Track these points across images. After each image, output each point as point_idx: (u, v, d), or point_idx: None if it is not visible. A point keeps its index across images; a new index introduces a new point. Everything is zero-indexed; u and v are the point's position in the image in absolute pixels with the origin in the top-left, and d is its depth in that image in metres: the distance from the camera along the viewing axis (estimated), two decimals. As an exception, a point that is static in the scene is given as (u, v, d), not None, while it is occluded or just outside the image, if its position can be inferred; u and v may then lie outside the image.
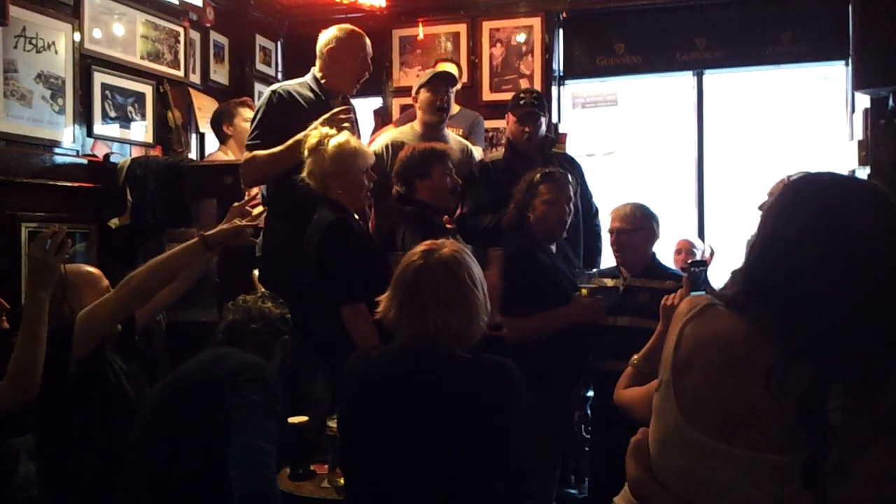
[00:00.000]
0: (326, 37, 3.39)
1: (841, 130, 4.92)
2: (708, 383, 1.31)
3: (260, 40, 5.43)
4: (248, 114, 4.38)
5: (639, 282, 3.18)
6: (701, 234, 5.01)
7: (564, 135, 4.99)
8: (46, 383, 2.26)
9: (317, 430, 2.81)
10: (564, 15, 5.31)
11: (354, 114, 3.43)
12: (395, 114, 5.29)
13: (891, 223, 1.24)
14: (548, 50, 5.26)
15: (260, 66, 5.41)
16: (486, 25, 5.37)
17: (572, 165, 3.71)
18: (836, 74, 5.00)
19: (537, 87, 5.05)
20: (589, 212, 3.77)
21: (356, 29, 3.43)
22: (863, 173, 4.31)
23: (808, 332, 1.21)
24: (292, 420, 2.66)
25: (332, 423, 2.55)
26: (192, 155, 4.65)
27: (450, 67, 4.41)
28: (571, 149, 4.89)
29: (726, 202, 5.21)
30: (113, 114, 4.13)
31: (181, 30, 4.61)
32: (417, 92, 3.70)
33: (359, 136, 3.37)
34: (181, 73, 4.61)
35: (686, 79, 5.27)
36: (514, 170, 3.31)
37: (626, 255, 3.22)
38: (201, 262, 2.75)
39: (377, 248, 2.99)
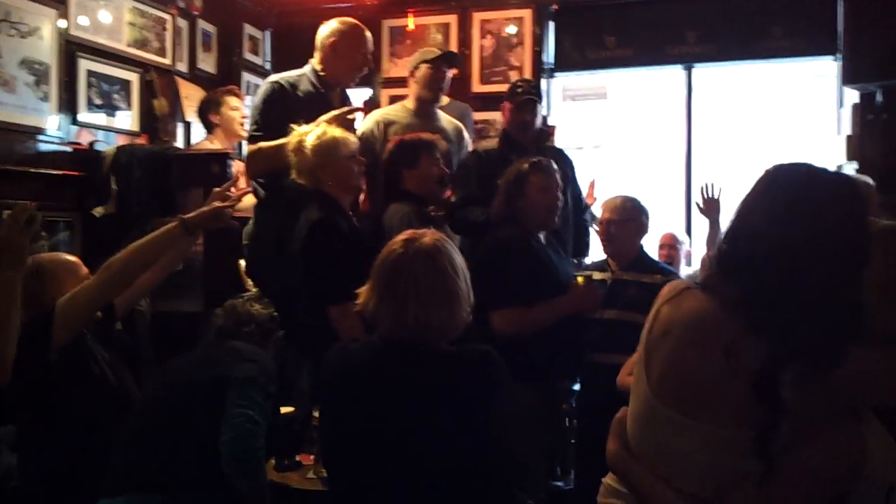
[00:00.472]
0: (328, 29, 3.36)
1: (829, 125, 4.93)
2: (674, 358, 1.37)
3: (248, 29, 5.38)
4: (234, 102, 4.36)
5: (627, 275, 3.18)
6: (689, 229, 5.02)
7: (554, 127, 4.98)
8: (26, 372, 2.23)
9: (302, 421, 2.80)
10: (555, 7, 5.29)
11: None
12: (384, 104, 5.26)
13: (860, 216, 1.32)
14: (538, 42, 5.25)
15: (248, 56, 5.36)
16: (477, 17, 5.34)
17: (564, 160, 3.70)
18: (825, 69, 5.01)
19: (529, 79, 5.02)
20: (578, 206, 3.77)
21: (358, 23, 3.41)
22: (850, 168, 4.32)
23: (767, 307, 1.27)
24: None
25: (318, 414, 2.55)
26: (179, 144, 4.60)
27: None
28: (560, 141, 4.88)
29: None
30: (98, 101, 4.09)
31: (168, 17, 4.56)
32: (416, 67, 3.68)
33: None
34: (168, 62, 4.56)
35: (676, 72, 5.26)
36: (508, 160, 3.29)
37: (615, 245, 3.23)
38: (181, 246, 2.72)
39: (366, 243, 2.97)
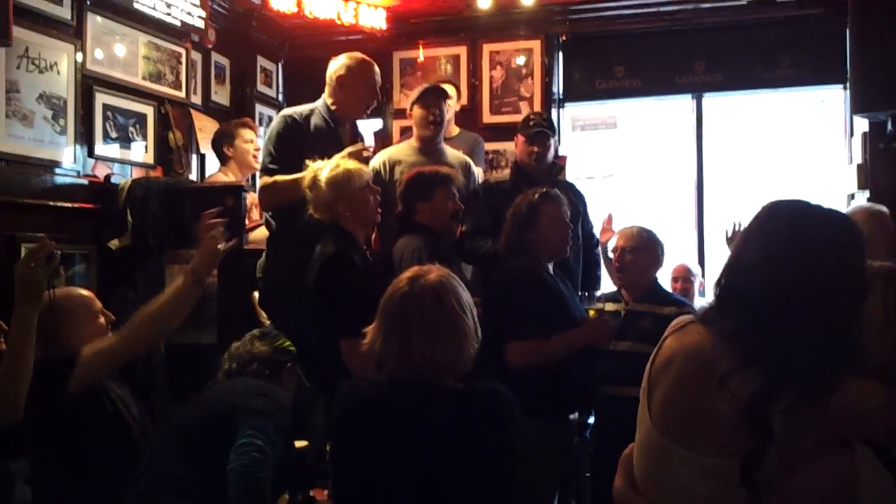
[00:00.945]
0: (336, 64, 3.42)
1: (839, 153, 4.94)
2: (673, 390, 1.40)
3: (261, 62, 5.46)
4: (248, 135, 4.40)
5: (641, 306, 3.17)
6: (701, 258, 5.01)
7: (564, 157, 5.00)
8: (41, 410, 2.24)
9: (315, 456, 2.79)
10: (564, 38, 5.35)
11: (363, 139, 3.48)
12: (396, 135, 5.32)
13: (855, 254, 1.35)
14: (548, 73, 5.29)
15: (261, 88, 5.43)
16: (487, 48, 5.40)
17: (576, 194, 3.72)
18: (833, 98, 5.03)
19: (537, 109, 5.07)
20: (590, 241, 3.81)
21: (366, 57, 3.46)
22: (862, 197, 4.32)
23: (762, 340, 1.30)
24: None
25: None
26: (193, 176, 4.65)
27: (447, 88, 4.43)
28: (571, 171, 4.91)
29: (726, 226, 5.19)
30: (114, 134, 4.13)
31: (183, 51, 4.62)
32: (411, 109, 3.77)
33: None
34: (182, 94, 4.62)
35: (685, 102, 5.30)
36: (519, 192, 3.31)
37: (629, 275, 3.22)
38: (195, 293, 2.70)
39: (378, 278, 2.98)
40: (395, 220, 3.26)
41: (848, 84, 4.58)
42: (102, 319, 2.60)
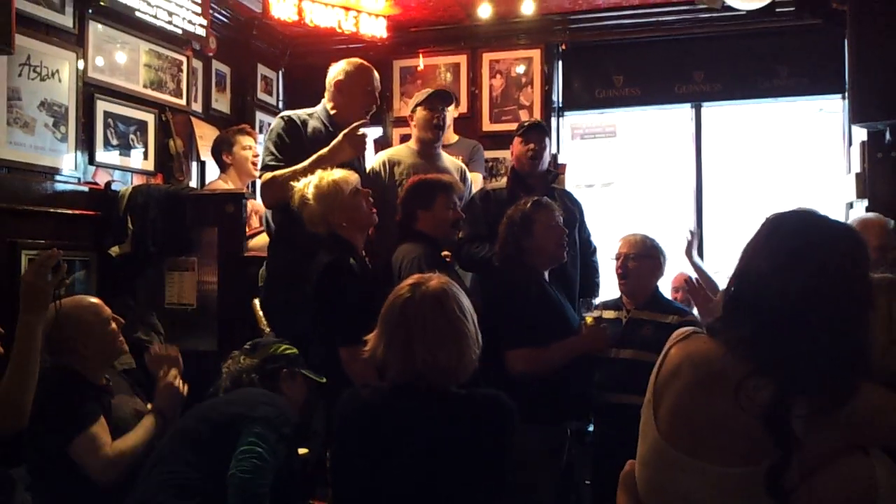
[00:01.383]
0: (335, 70, 3.44)
1: (838, 162, 4.96)
2: (681, 399, 1.40)
3: (261, 70, 5.47)
4: (246, 142, 4.41)
5: (642, 314, 3.17)
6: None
7: (564, 166, 5.02)
8: (45, 422, 2.25)
9: (315, 463, 2.79)
10: (564, 47, 5.37)
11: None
12: (395, 143, 5.32)
13: (860, 263, 1.37)
14: (547, 81, 5.31)
15: (261, 96, 5.45)
16: (486, 57, 5.42)
17: (572, 201, 3.73)
18: (832, 107, 5.05)
19: (536, 118, 5.08)
20: (587, 249, 3.81)
21: (364, 63, 3.47)
22: (861, 206, 4.33)
23: (773, 348, 1.31)
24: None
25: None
26: (193, 183, 4.65)
27: None
28: (570, 180, 4.91)
29: (725, 234, 5.22)
30: (115, 141, 4.14)
31: (184, 59, 4.63)
32: (413, 110, 3.79)
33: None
34: (183, 102, 4.63)
35: (684, 111, 5.32)
36: (516, 199, 3.32)
37: (631, 282, 3.22)
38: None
39: (377, 285, 2.97)
40: (396, 226, 3.26)
41: (846, 94, 4.60)
42: (114, 325, 2.61)
